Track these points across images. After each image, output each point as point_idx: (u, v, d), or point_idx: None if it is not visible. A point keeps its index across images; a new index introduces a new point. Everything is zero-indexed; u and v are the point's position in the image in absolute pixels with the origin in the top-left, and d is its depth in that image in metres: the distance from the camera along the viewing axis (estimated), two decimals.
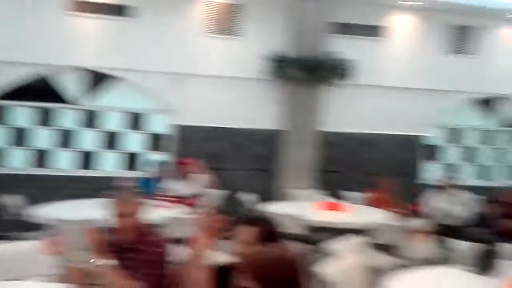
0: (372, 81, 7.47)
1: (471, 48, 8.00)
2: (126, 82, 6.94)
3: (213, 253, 2.00)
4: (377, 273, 3.20)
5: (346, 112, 7.52)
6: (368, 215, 4.88)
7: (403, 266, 3.79)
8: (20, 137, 6.80)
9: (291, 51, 7.02)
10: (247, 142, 7.27)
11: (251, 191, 6.12)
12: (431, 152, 8.15)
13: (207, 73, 7.05)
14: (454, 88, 7.86)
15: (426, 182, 7.65)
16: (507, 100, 8.29)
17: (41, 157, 6.89)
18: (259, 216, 3.24)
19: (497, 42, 8.11)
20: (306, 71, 6.92)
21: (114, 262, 2.21)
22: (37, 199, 4.65)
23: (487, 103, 8.31)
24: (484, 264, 2.90)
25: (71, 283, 2.25)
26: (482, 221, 5.98)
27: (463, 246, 3.38)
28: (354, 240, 3.33)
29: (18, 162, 6.84)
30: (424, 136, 7.99)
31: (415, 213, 5.57)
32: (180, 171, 5.77)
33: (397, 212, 5.17)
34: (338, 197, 6.32)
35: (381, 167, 7.43)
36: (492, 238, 3.18)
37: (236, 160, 7.24)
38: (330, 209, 4.99)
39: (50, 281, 2.54)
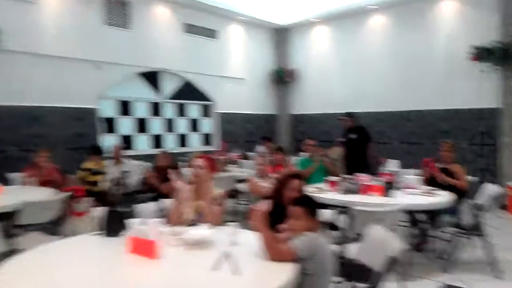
0: (28, 49, 6.90)
1: (127, 22, 8.29)
2: None
3: None
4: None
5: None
6: (16, 196, 4.37)
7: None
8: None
9: None
10: None
11: None
12: (106, 124, 8.20)
13: None
14: (118, 61, 8.09)
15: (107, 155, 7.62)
16: (167, 74, 9.09)
17: None
18: None
19: (149, 18, 8.70)
20: None
21: None
22: None
23: (151, 77, 8.87)
24: (112, 226, 3.03)
25: None
26: (145, 185, 6.44)
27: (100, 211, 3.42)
28: None
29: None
30: (98, 108, 7.94)
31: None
32: None
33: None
34: None
35: (52, 143, 6.98)
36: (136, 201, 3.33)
37: None
38: None
39: None
